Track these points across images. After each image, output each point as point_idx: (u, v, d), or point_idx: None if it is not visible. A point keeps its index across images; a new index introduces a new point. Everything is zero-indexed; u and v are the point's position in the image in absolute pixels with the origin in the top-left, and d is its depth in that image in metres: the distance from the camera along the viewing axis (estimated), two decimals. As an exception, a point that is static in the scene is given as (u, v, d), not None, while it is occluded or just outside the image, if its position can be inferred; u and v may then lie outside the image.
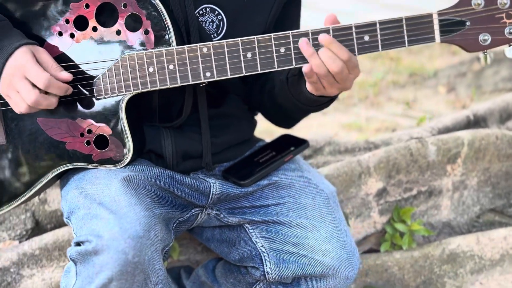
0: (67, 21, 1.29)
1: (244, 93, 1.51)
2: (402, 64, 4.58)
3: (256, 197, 1.43)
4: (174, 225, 1.39)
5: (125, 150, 1.30)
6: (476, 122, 2.22)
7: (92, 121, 1.30)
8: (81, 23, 1.28)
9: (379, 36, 1.17)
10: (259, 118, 1.62)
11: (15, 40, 1.23)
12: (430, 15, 1.16)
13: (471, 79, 4.09)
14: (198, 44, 1.24)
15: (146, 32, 1.27)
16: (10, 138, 1.34)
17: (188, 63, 1.25)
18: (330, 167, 1.87)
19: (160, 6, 1.26)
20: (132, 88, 1.27)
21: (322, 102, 1.32)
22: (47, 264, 1.71)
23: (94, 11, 1.27)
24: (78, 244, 1.19)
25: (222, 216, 1.45)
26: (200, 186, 1.40)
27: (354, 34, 1.18)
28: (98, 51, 1.28)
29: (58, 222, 1.84)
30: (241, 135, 1.51)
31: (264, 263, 1.39)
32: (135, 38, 1.27)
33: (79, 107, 1.31)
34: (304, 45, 1.19)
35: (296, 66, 1.23)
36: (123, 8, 1.26)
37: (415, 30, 1.16)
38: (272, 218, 1.41)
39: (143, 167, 1.34)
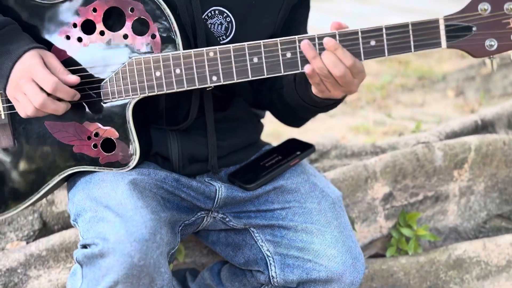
0: (74, 25, 1.30)
1: (251, 96, 1.51)
2: (410, 67, 4.57)
3: (262, 201, 1.43)
4: (180, 228, 1.40)
5: (131, 153, 1.31)
6: (484, 127, 2.21)
7: (99, 125, 1.31)
8: (88, 27, 1.29)
9: (385, 41, 1.17)
10: (266, 120, 1.62)
11: (24, 44, 1.25)
12: (436, 21, 1.15)
13: (480, 83, 4.07)
14: (204, 49, 1.25)
15: (153, 36, 1.27)
16: (18, 141, 1.35)
17: (194, 67, 1.25)
18: (336, 171, 1.86)
19: (167, 11, 1.26)
20: (139, 92, 1.28)
21: (327, 104, 1.32)
22: (54, 265, 1.72)
23: (102, 15, 1.28)
24: (84, 246, 1.20)
25: (227, 219, 1.45)
26: (206, 189, 1.41)
27: (360, 39, 1.18)
28: (105, 55, 1.29)
29: (65, 223, 1.85)
30: (247, 139, 1.51)
31: (269, 267, 1.40)
32: (142, 42, 1.28)
33: (87, 110, 1.31)
34: (306, 47, 1.19)
35: (302, 70, 1.23)
36: (130, 13, 1.27)
37: (421, 35, 1.16)
38: (278, 222, 1.41)
39: (149, 170, 1.35)
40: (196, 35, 1.33)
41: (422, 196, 1.94)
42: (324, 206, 1.40)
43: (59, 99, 1.25)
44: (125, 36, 1.28)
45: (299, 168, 1.48)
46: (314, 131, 3.38)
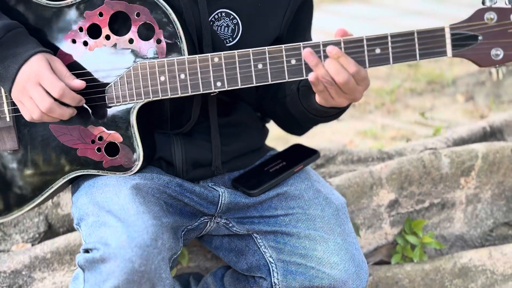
0: (80, 29, 1.30)
1: (256, 101, 1.51)
2: (420, 71, 4.54)
3: (265, 207, 1.43)
4: (183, 233, 1.40)
5: (135, 158, 1.31)
6: (492, 133, 2.20)
7: (104, 128, 1.31)
8: (94, 31, 1.30)
9: (390, 49, 1.16)
10: (273, 125, 1.61)
11: (30, 47, 1.25)
12: (442, 29, 1.15)
13: (490, 88, 4.04)
14: (209, 54, 1.25)
15: (159, 41, 1.27)
16: (22, 143, 1.36)
17: (199, 72, 1.25)
18: (341, 177, 1.86)
19: (173, 16, 1.26)
20: (143, 97, 1.28)
21: (331, 114, 1.32)
22: (59, 268, 1.73)
23: (108, 20, 1.28)
24: (86, 251, 1.20)
25: (230, 225, 1.45)
26: (209, 194, 1.41)
27: (365, 46, 1.17)
28: (110, 59, 1.29)
29: (70, 226, 1.85)
30: (251, 144, 1.51)
31: (272, 273, 1.39)
32: (147, 47, 1.28)
33: (91, 114, 1.32)
34: (308, 55, 1.18)
35: (307, 77, 1.23)
36: (136, 17, 1.27)
37: (426, 44, 1.15)
38: (281, 228, 1.40)
39: (152, 175, 1.35)
40: (202, 38, 1.33)
41: (428, 203, 1.93)
42: (327, 213, 1.40)
43: (65, 104, 1.26)
44: (131, 41, 1.28)
45: (303, 174, 1.47)
46: (321, 135, 3.37)
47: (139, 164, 1.31)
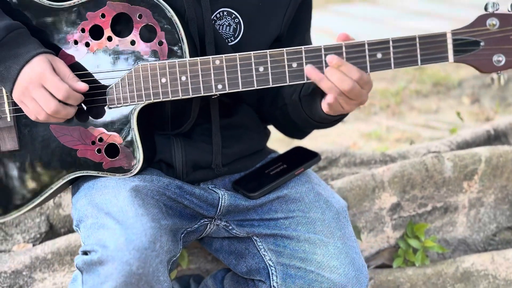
0: (83, 30, 1.30)
1: (257, 104, 1.50)
2: (426, 73, 4.52)
3: (265, 210, 1.42)
4: (182, 235, 1.39)
5: (135, 160, 1.31)
6: (496, 137, 2.18)
7: (104, 130, 1.31)
8: (96, 33, 1.29)
9: (392, 54, 1.16)
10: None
11: (32, 48, 1.25)
12: (444, 34, 1.14)
13: (496, 90, 4.02)
14: (211, 57, 1.24)
15: (160, 43, 1.27)
16: (23, 144, 1.36)
17: (200, 75, 1.25)
18: (343, 180, 1.85)
19: (175, 18, 1.26)
20: (144, 98, 1.28)
21: (336, 119, 1.32)
22: (59, 269, 1.73)
23: (110, 21, 1.28)
24: (85, 253, 1.20)
25: (230, 227, 1.45)
26: (209, 197, 1.40)
27: (366, 51, 1.16)
28: (112, 61, 1.29)
29: (71, 226, 1.85)
30: (252, 146, 1.50)
31: (271, 277, 1.38)
32: (149, 48, 1.28)
33: (92, 115, 1.32)
34: (311, 72, 1.19)
35: (308, 81, 1.22)
36: (138, 19, 1.27)
37: (428, 49, 1.14)
38: (281, 231, 1.40)
39: (152, 177, 1.35)
40: (204, 35, 1.32)
41: (430, 207, 1.92)
42: (328, 216, 1.39)
43: (67, 104, 1.26)
44: (133, 42, 1.28)
45: (304, 177, 1.46)
46: (325, 136, 3.36)
47: (139, 166, 1.31)
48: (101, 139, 1.32)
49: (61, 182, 1.36)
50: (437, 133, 3.43)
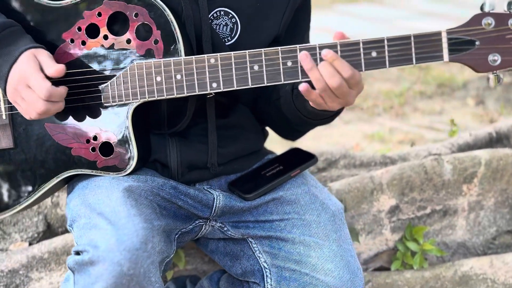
0: (79, 29, 1.30)
1: (254, 104, 1.49)
2: (431, 74, 4.50)
3: (261, 212, 1.41)
4: (176, 236, 1.38)
5: (129, 158, 1.30)
6: (498, 139, 2.16)
7: (98, 128, 1.31)
8: (92, 31, 1.29)
9: (386, 52, 1.15)
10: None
11: (22, 45, 1.24)
12: (439, 33, 1.13)
13: (501, 92, 4.00)
14: (205, 55, 1.24)
15: (156, 42, 1.27)
16: (18, 142, 1.36)
17: (195, 73, 1.25)
18: (341, 182, 1.84)
19: (171, 17, 1.26)
20: (139, 97, 1.28)
21: (325, 117, 1.31)
22: (56, 268, 1.73)
23: (106, 20, 1.28)
24: (77, 253, 1.19)
25: (226, 229, 1.44)
26: (204, 198, 1.39)
27: (361, 49, 1.15)
28: (108, 59, 1.29)
29: (69, 225, 1.85)
30: (249, 147, 1.49)
31: (265, 279, 1.37)
32: (144, 47, 1.27)
33: (87, 113, 1.31)
34: (303, 58, 1.17)
35: (302, 80, 1.21)
36: (134, 18, 1.27)
37: (423, 48, 1.13)
38: (276, 234, 1.38)
39: (146, 177, 1.34)
40: (202, 34, 1.32)
41: (429, 209, 1.90)
42: (323, 218, 1.38)
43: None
44: (128, 41, 1.28)
45: (300, 179, 1.45)
46: (327, 137, 3.35)
47: (133, 164, 1.30)
48: (95, 138, 1.31)
49: (55, 180, 1.35)
50: (440, 135, 3.42)
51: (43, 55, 1.24)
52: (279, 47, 1.21)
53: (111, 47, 1.29)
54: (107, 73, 1.29)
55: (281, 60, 1.21)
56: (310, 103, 1.25)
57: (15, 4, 1.32)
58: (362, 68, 1.17)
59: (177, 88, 1.26)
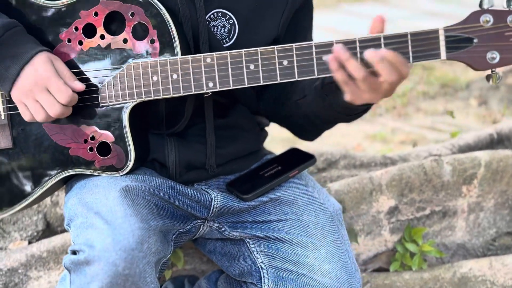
0: (76, 29, 1.30)
1: (255, 104, 1.48)
2: (434, 74, 4.48)
3: (259, 212, 1.41)
4: (174, 236, 1.38)
5: (126, 158, 1.30)
6: (499, 141, 2.15)
7: (96, 128, 1.31)
8: (89, 31, 1.29)
9: (383, 50, 1.13)
10: (276, 127, 1.58)
11: (30, 47, 1.24)
12: (436, 31, 1.11)
13: (504, 92, 3.98)
14: (202, 55, 1.23)
15: (152, 41, 1.26)
16: (16, 142, 1.36)
17: (191, 73, 1.24)
18: (341, 182, 1.83)
19: (167, 16, 1.25)
20: (135, 97, 1.27)
21: (360, 110, 1.26)
22: (54, 267, 1.73)
23: (103, 19, 1.28)
24: (74, 252, 1.19)
25: (223, 229, 1.43)
26: (201, 198, 1.39)
27: (358, 48, 1.14)
28: (105, 59, 1.29)
29: (68, 225, 1.85)
30: (247, 147, 1.49)
31: (263, 280, 1.37)
32: (141, 46, 1.27)
33: (84, 113, 1.31)
34: (339, 49, 1.11)
35: (299, 79, 1.20)
36: (130, 17, 1.27)
37: (420, 46, 1.12)
38: (273, 234, 1.38)
39: (144, 177, 1.34)
40: (198, 38, 1.31)
41: (429, 210, 1.89)
42: (321, 219, 1.37)
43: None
44: (125, 41, 1.28)
45: (298, 179, 1.44)
46: (328, 137, 3.34)
47: (130, 164, 1.30)
48: (93, 138, 1.31)
49: (53, 180, 1.35)
50: (442, 136, 3.40)
51: (59, 62, 1.26)
52: (275, 46, 1.20)
53: (108, 46, 1.28)
54: (104, 73, 1.29)
55: (277, 59, 1.20)
56: (347, 98, 1.17)
57: (12, 4, 1.32)
58: None
59: (173, 88, 1.25)
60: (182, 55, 1.26)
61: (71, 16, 1.29)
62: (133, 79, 1.27)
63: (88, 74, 1.30)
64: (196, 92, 1.25)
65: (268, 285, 1.35)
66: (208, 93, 1.27)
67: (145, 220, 1.20)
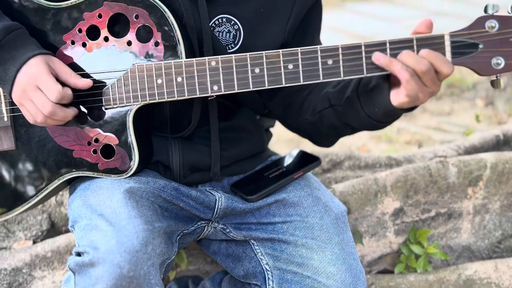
0: (80, 31, 1.30)
1: (259, 106, 1.48)
2: (440, 74, 4.45)
3: (263, 214, 1.41)
4: (178, 237, 1.38)
5: (130, 161, 1.30)
6: (505, 142, 2.14)
7: (100, 130, 1.31)
8: (93, 33, 1.29)
9: (388, 55, 1.13)
10: (281, 128, 1.58)
11: (29, 50, 1.25)
12: (441, 36, 1.11)
13: (511, 93, 3.96)
14: (206, 58, 1.23)
15: (156, 44, 1.26)
16: (19, 144, 1.36)
17: (196, 76, 1.24)
18: (345, 183, 1.82)
19: (171, 19, 1.25)
20: (140, 99, 1.27)
21: (399, 115, 1.24)
22: (59, 267, 1.73)
23: (107, 21, 1.28)
24: (78, 254, 1.19)
25: (228, 230, 1.43)
26: (206, 199, 1.39)
27: (363, 53, 1.14)
28: (108, 61, 1.29)
29: (73, 225, 1.86)
30: (251, 149, 1.48)
31: (267, 281, 1.37)
32: (145, 49, 1.27)
33: (88, 116, 1.31)
34: (379, 55, 1.13)
35: (304, 83, 1.20)
36: (134, 19, 1.26)
37: None
38: (278, 236, 1.38)
39: (148, 179, 1.34)
40: (202, 43, 1.31)
41: (434, 212, 1.88)
42: (326, 221, 1.36)
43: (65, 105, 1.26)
44: (129, 43, 1.27)
45: (303, 181, 1.44)
46: (333, 138, 3.32)
47: (134, 167, 1.30)
48: (97, 140, 1.31)
49: (57, 182, 1.35)
50: (448, 136, 3.38)
51: (58, 63, 1.25)
52: (280, 50, 1.20)
53: (112, 49, 1.28)
54: (108, 75, 1.29)
55: (282, 63, 1.20)
56: (395, 101, 1.16)
57: (15, 6, 1.32)
58: (364, 72, 1.15)
59: (177, 91, 1.25)
60: (186, 57, 1.26)
61: (75, 18, 1.29)
62: (138, 81, 1.26)
63: (92, 77, 1.30)
64: (201, 95, 1.25)
65: (273, 287, 1.35)
66: (212, 96, 1.27)
67: (149, 222, 1.20)
